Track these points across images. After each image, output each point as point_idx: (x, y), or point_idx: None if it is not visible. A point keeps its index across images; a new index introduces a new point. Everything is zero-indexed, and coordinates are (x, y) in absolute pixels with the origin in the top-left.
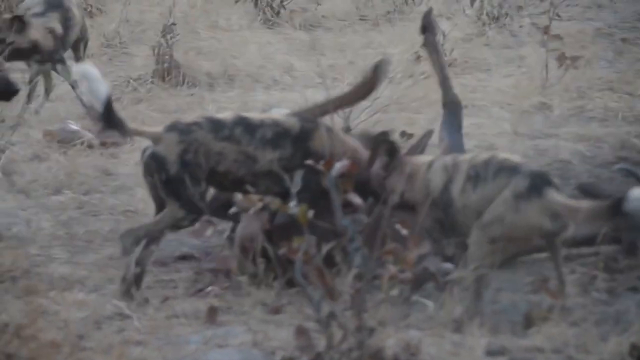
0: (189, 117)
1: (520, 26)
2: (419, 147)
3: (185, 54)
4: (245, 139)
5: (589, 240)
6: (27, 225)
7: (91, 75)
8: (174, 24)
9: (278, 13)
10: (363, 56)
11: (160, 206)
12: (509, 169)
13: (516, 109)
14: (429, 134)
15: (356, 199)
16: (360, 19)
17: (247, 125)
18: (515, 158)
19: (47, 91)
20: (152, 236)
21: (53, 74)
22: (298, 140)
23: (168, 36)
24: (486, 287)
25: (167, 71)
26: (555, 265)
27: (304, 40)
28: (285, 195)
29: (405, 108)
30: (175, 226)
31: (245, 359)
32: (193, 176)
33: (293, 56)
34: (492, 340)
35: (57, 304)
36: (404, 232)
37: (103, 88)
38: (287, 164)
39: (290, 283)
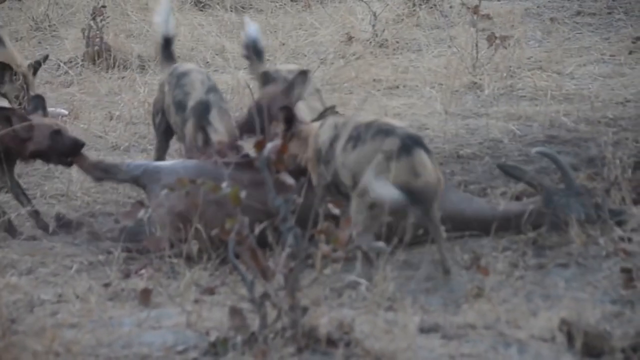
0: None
1: (450, 6)
2: (292, 89)
3: (115, 37)
4: None
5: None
6: None
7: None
8: (103, 6)
9: None
10: (294, 37)
11: None
12: (385, 132)
13: (447, 89)
14: (303, 73)
15: (289, 179)
16: (292, 0)
17: None
18: (397, 123)
19: None
20: None
21: None
22: None
23: (98, 19)
24: (376, 253)
25: (98, 54)
26: (435, 239)
27: (235, 22)
28: None
29: (337, 89)
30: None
31: (180, 340)
32: None
33: (224, 38)
34: (425, 317)
35: None
36: (336, 211)
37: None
38: None
39: (224, 261)
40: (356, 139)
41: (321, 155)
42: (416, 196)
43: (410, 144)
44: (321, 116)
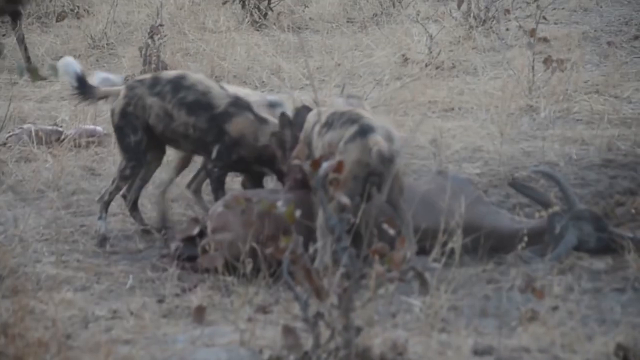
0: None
1: (507, 29)
2: (297, 123)
3: (172, 55)
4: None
5: None
6: (15, 224)
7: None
8: (161, 25)
9: (265, 15)
10: (350, 58)
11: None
12: (351, 121)
13: (503, 112)
14: (304, 108)
15: (344, 198)
16: (348, 21)
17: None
18: (367, 114)
19: None
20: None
21: None
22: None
23: (155, 37)
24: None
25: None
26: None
27: (291, 42)
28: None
29: (392, 110)
30: (122, 177)
31: (233, 358)
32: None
33: (280, 58)
34: (479, 340)
35: (45, 303)
36: (391, 231)
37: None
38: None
39: (278, 279)
40: (329, 125)
41: (306, 137)
42: (372, 171)
43: (367, 129)
44: (296, 118)
